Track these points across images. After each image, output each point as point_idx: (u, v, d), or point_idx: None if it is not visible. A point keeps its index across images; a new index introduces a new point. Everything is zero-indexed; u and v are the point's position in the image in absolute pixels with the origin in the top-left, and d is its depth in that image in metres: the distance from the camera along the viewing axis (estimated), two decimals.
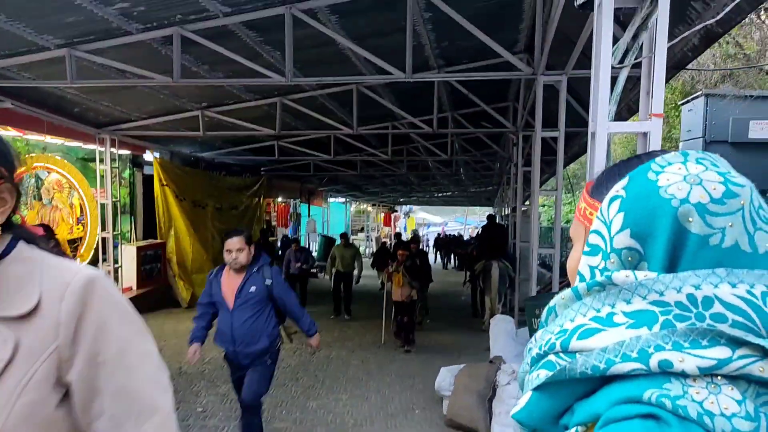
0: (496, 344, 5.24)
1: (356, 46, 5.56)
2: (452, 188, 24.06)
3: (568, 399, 0.61)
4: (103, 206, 9.40)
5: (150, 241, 10.81)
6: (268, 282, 3.61)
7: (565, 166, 8.27)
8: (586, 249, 0.66)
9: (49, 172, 10.83)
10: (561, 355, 0.61)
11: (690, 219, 0.58)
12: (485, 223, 11.56)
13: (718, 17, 2.82)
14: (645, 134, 2.17)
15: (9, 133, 8.66)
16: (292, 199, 19.30)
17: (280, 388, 5.72)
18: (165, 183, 10.52)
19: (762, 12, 7.64)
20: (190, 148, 11.62)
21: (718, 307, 0.55)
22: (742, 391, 0.52)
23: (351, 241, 10.64)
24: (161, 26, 5.46)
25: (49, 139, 9.45)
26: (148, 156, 10.69)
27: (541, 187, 7.76)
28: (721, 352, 0.53)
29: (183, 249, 10.99)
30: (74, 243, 10.93)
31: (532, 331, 4.66)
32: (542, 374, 0.62)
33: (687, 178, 0.60)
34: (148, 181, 10.99)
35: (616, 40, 2.41)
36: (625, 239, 0.61)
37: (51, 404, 0.90)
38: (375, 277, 13.45)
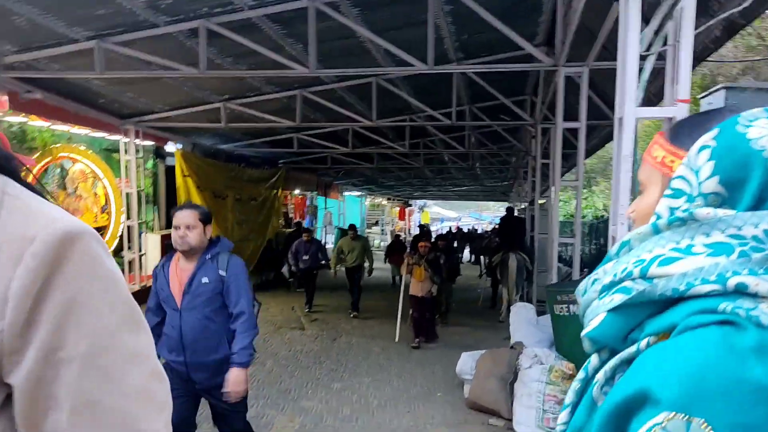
0: (517, 331, 5.33)
1: (377, 37, 5.64)
2: (467, 182, 24.07)
3: (639, 318, 0.70)
4: (128, 195, 9.60)
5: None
6: (222, 273, 2.84)
7: (585, 158, 8.31)
8: (668, 192, 0.74)
9: (73, 162, 11.08)
10: (638, 280, 0.70)
11: None
12: (504, 215, 11.62)
13: (741, 7, 2.87)
14: (671, 119, 2.25)
15: (37, 123, 8.91)
16: (309, 192, 19.47)
17: (305, 370, 5.88)
18: (187, 174, 10.69)
19: None
20: (211, 140, 11.80)
21: None
22: None
23: (358, 233, 9.93)
24: (187, 19, 5.60)
25: (74, 130, 9.68)
26: (170, 147, 10.87)
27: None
28: None
29: None
30: (99, 231, 11.14)
31: (554, 317, 4.74)
32: (617, 298, 0.71)
33: None
34: (170, 171, 11.18)
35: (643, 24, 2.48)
36: (713, 185, 0.68)
37: None
38: (387, 270, 13.54)
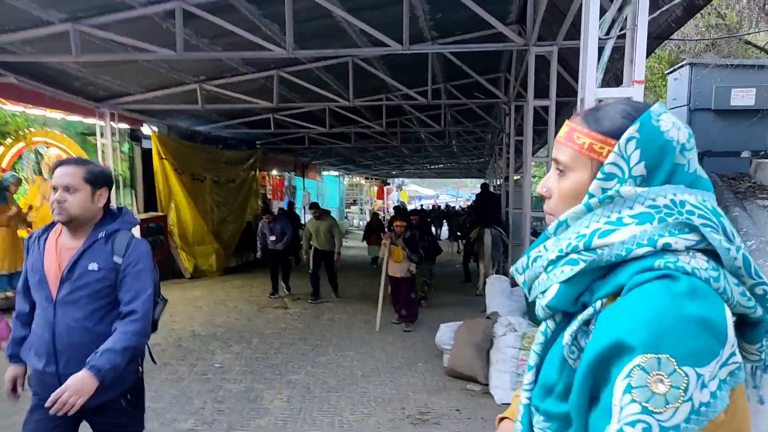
0: (492, 302, 5.58)
1: (353, 18, 5.71)
2: (444, 160, 24.29)
3: (586, 283, 0.87)
4: None
5: (151, 213, 11.01)
6: (118, 259, 2.10)
7: (555, 135, 8.54)
8: (601, 176, 0.89)
9: (48, 147, 10.94)
10: (583, 252, 0.86)
11: (681, 154, 0.87)
12: (479, 191, 11.85)
13: None
14: (629, 98, 2.43)
15: (11, 107, 8.80)
16: (286, 173, 19.46)
17: (290, 346, 6.06)
18: (164, 156, 10.67)
19: None
20: (187, 121, 11.73)
21: (688, 207, 0.84)
22: (705, 259, 0.82)
23: (322, 213, 9.02)
24: (164, 0, 5.60)
25: (49, 114, 9.57)
26: (145, 130, 10.80)
27: (533, 155, 8.02)
28: (696, 236, 0.82)
29: (184, 221, 11.21)
30: None
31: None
32: (567, 269, 0.87)
33: (674, 124, 0.88)
34: (146, 154, 11.12)
35: (603, 12, 2.66)
36: (640, 169, 0.87)
37: None
38: (365, 249, 13.68)
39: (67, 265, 2.08)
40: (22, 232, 8.00)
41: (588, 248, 0.86)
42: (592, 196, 0.90)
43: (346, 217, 28.69)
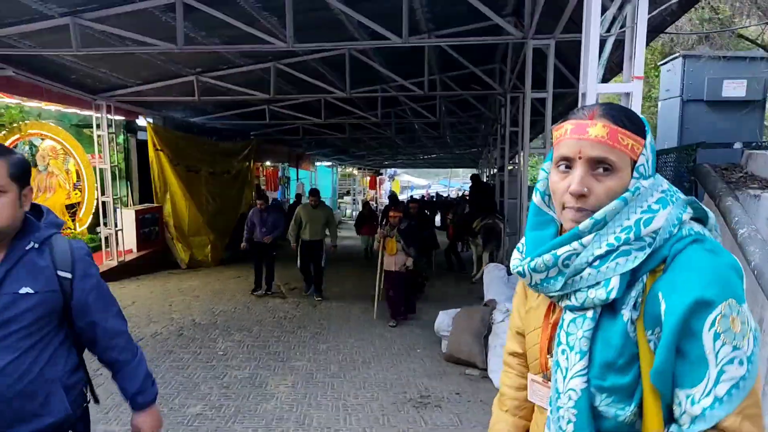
0: (489, 289, 5.71)
1: (352, 11, 5.76)
2: (437, 150, 24.36)
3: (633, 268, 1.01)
4: (101, 171, 9.58)
5: (147, 205, 11.04)
6: (66, 274, 1.65)
7: (552, 126, 8.65)
8: (636, 174, 1.02)
9: (43, 139, 10.93)
10: (634, 242, 0.99)
11: None
12: (474, 182, 11.97)
13: None
14: (628, 94, 2.54)
15: (7, 100, 8.77)
16: (280, 164, 19.49)
17: (290, 334, 6.16)
18: (159, 148, 10.68)
19: None
20: (182, 113, 11.74)
21: (673, 190, 1.07)
22: (699, 225, 1.05)
23: (321, 201, 8.37)
24: None
25: (45, 106, 9.55)
26: (141, 121, 10.80)
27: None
28: (690, 209, 1.05)
29: (179, 212, 11.24)
30: (72, 208, 11.13)
31: None
32: (623, 261, 0.99)
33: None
34: (141, 146, 11.13)
35: (604, 9, 2.75)
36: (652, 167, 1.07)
37: None
38: (360, 239, 13.66)
39: None
40: None
41: (638, 237, 0.99)
42: (627, 191, 1.02)
43: (339, 208, 28.74)
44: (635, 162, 1.03)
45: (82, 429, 1.80)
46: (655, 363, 0.95)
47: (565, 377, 1.05)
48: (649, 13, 2.57)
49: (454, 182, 46.72)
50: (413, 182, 48.30)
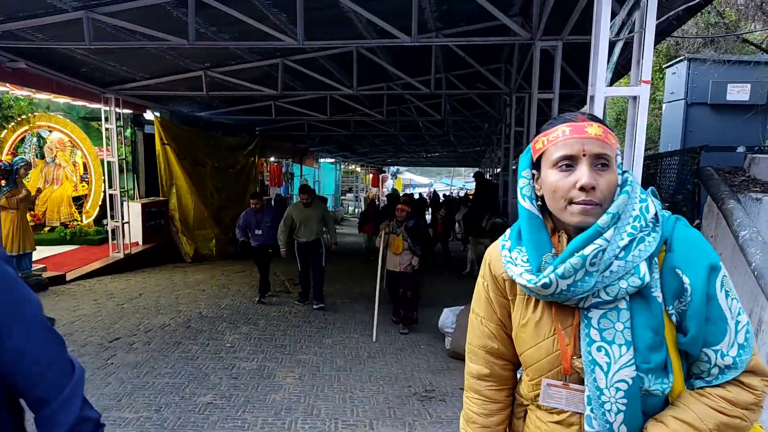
0: None
1: (362, 9, 5.82)
2: (441, 148, 24.42)
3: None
4: (108, 164, 9.66)
5: (153, 198, 11.13)
6: None
7: None
8: (619, 170, 1.15)
9: (51, 131, 11.04)
10: (645, 228, 1.11)
11: None
12: (480, 180, 12.03)
13: None
14: (635, 97, 2.62)
15: (18, 92, 8.86)
16: (284, 159, 19.57)
17: (296, 328, 6.25)
18: (166, 142, 10.77)
19: None
20: (189, 107, 11.81)
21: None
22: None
23: (314, 198, 7.46)
24: None
25: (53, 99, 9.63)
26: (148, 115, 10.88)
27: None
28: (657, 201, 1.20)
29: (185, 206, 11.33)
30: (79, 200, 11.24)
31: None
32: (644, 247, 1.09)
33: None
34: (148, 139, 11.22)
35: (613, 14, 2.82)
36: None
37: None
38: (363, 237, 13.57)
39: None
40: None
41: (646, 223, 1.11)
42: (619, 186, 1.14)
43: (341, 205, 28.81)
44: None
45: None
46: (691, 331, 1.07)
47: (608, 372, 1.09)
48: (657, 19, 2.64)
49: (456, 181, 46.76)
50: (415, 180, 48.36)
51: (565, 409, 1.19)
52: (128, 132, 10.84)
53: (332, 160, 27.34)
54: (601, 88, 2.62)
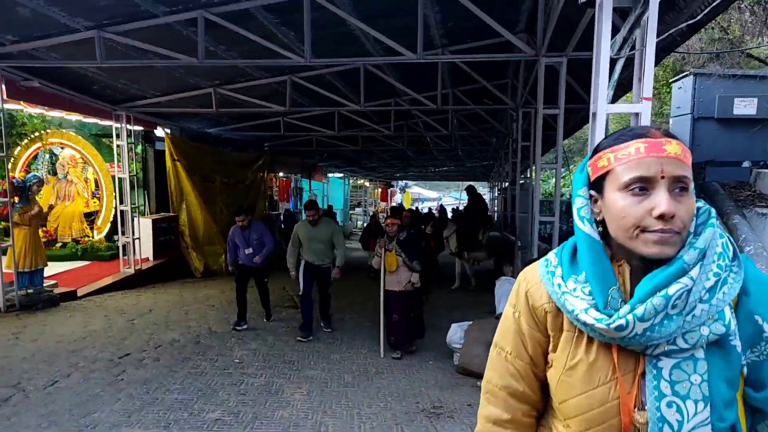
0: (501, 302, 5.77)
1: (368, 28, 5.91)
2: (449, 163, 24.48)
3: None
4: (120, 180, 9.78)
5: (163, 214, 11.24)
6: None
7: (563, 141, 8.74)
8: (694, 194, 0.99)
9: (63, 148, 11.21)
10: (732, 267, 0.98)
11: None
12: (468, 196, 12.09)
13: (702, 14, 3.26)
14: (637, 114, 2.64)
15: (31, 109, 9.02)
16: (293, 174, 19.69)
17: (304, 344, 6.26)
18: (176, 158, 10.90)
19: (742, 2, 8.12)
20: (198, 123, 11.97)
21: None
22: None
23: (322, 215, 6.87)
24: (186, 9, 5.82)
25: (66, 116, 9.79)
26: (159, 132, 11.03)
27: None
28: None
29: (195, 222, 11.43)
30: (91, 216, 11.36)
31: None
32: (726, 290, 0.96)
33: None
34: (159, 156, 11.36)
35: (615, 30, 2.86)
36: None
37: None
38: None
39: None
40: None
41: (730, 263, 0.98)
42: (709, 214, 1.01)
43: (350, 219, 28.88)
44: None
45: None
46: None
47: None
48: (658, 36, 2.67)
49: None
50: (423, 194, 48.38)
51: None
52: (139, 148, 10.98)
53: (341, 175, 27.47)
54: (602, 106, 2.65)
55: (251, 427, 4.02)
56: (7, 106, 7.59)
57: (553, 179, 6.86)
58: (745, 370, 0.96)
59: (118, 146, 9.50)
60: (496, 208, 19.80)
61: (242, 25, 5.90)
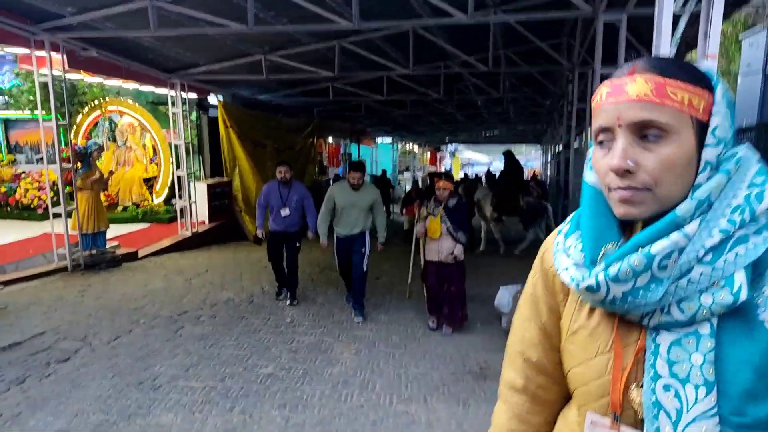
0: None
1: None
2: (499, 126, 23.98)
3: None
4: (176, 147, 10.09)
5: (218, 179, 11.57)
6: None
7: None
8: (714, 141, 0.78)
9: (121, 115, 11.63)
10: (750, 224, 0.77)
11: None
12: (506, 160, 11.89)
13: None
14: None
15: (91, 78, 9.36)
16: (342, 140, 19.78)
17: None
18: (229, 125, 11.12)
19: None
20: (249, 90, 12.13)
21: None
22: None
23: (368, 178, 5.86)
24: None
25: (123, 84, 10.12)
26: (212, 99, 11.27)
27: None
28: None
29: (247, 187, 11.71)
30: (149, 181, 11.82)
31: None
32: (742, 250, 0.76)
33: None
34: (212, 123, 11.63)
35: None
36: (731, 129, 0.81)
37: None
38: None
39: None
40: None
41: (753, 218, 0.77)
42: (712, 165, 0.79)
43: (399, 183, 28.89)
44: (701, 122, 0.79)
45: None
46: None
47: (676, 422, 0.77)
48: None
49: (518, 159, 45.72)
50: (474, 158, 47.73)
51: None
52: (193, 116, 11.27)
53: (389, 140, 27.39)
54: None
55: (302, 382, 4.19)
56: (68, 75, 7.91)
57: None
58: None
59: (173, 113, 9.77)
60: (548, 172, 19.29)
61: None
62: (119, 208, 11.45)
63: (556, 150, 14.48)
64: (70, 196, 7.70)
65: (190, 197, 10.09)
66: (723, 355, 0.76)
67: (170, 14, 6.45)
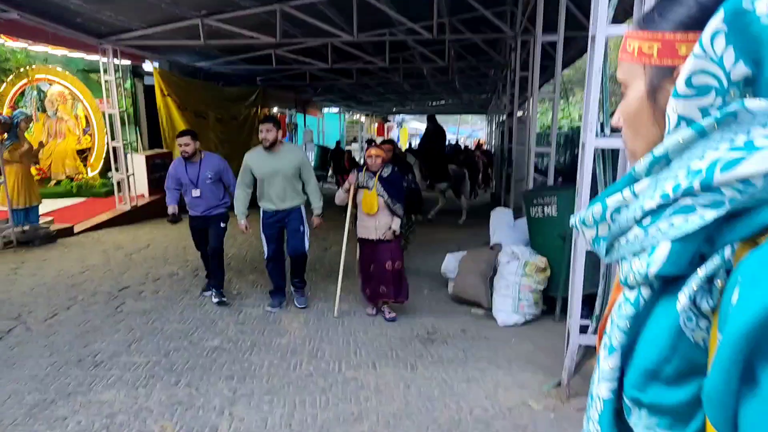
0: (495, 233, 5.83)
1: None
2: (446, 96, 24.08)
3: (708, 233, 0.63)
4: (110, 117, 9.61)
5: (157, 150, 11.13)
6: None
7: (562, 71, 8.54)
8: (689, 92, 0.64)
9: (51, 84, 10.95)
10: (702, 195, 0.61)
11: None
12: (431, 126, 12.05)
13: None
14: None
15: (12, 44, 8.73)
16: (287, 110, 19.38)
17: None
18: (166, 93, 10.65)
19: None
20: (188, 57, 11.63)
21: None
22: None
23: (277, 137, 4.88)
24: None
25: (51, 51, 9.50)
26: (147, 66, 10.75)
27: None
28: None
29: None
30: (83, 153, 11.26)
31: (530, 219, 5.23)
32: (681, 221, 0.63)
33: None
34: (149, 91, 11.13)
35: None
36: (742, 70, 0.60)
37: None
38: None
39: None
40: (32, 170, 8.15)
41: (708, 188, 0.61)
42: (690, 121, 0.65)
43: (301, 150, 28.72)
44: (665, 68, 0.70)
45: None
46: (705, 380, 0.60)
47: (598, 378, 0.77)
48: None
49: (463, 129, 46.26)
50: (421, 129, 47.85)
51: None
52: (128, 84, 10.73)
53: (336, 110, 27.05)
54: (602, 28, 2.55)
55: (250, 353, 4.15)
56: None
57: (552, 111, 6.75)
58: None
59: (106, 81, 9.26)
60: (493, 141, 19.59)
61: None
62: (52, 182, 10.87)
63: (501, 119, 14.69)
64: None
65: (127, 170, 9.67)
66: (646, 327, 0.71)
67: None
